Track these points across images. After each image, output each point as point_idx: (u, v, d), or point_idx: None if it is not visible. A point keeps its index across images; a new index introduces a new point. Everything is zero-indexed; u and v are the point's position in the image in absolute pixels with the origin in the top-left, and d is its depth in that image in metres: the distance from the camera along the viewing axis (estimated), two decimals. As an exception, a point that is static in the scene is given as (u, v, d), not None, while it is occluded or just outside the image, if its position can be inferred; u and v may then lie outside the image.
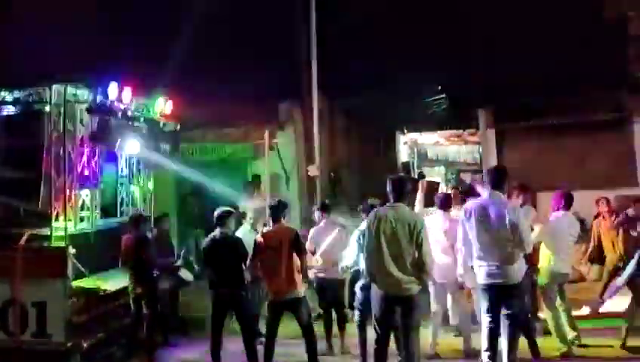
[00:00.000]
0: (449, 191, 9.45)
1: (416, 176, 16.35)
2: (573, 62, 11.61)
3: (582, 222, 9.08)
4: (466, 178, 15.90)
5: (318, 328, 6.95)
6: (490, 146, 12.02)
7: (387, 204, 5.77)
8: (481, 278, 6.03)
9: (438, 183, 15.22)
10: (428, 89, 15.17)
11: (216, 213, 6.90)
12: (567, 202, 7.05)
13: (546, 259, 6.99)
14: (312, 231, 7.53)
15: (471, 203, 6.22)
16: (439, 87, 15.33)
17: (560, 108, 11.58)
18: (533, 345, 6.67)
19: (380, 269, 5.55)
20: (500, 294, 5.92)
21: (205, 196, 11.11)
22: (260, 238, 6.56)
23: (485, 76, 12.85)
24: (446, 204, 7.25)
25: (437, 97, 15.35)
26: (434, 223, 7.03)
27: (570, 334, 7.00)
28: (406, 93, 14.60)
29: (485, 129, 12.28)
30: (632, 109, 11.71)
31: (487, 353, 5.95)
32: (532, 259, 6.76)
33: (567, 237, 6.93)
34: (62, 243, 7.00)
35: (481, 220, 5.91)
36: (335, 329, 7.31)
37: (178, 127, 8.93)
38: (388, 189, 5.77)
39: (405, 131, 16.44)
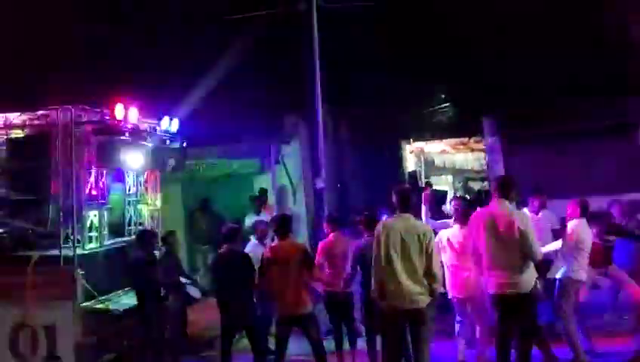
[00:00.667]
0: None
1: (423, 185, 16.36)
2: (577, 68, 11.60)
3: None
4: (475, 186, 15.86)
5: (329, 344, 6.91)
6: (496, 154, 11.98)
7: (394, 215, 5.75)
8: (492, 288, 6.02)
9: (446, 192, 15.21)
10: (433, 98, 15.20)
11: (223, 230, 6.92)
12: (584, 210, 7.01)
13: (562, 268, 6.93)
14: (320, 244, 7.48)
15: (480, 211, 6.22)
16: (444, 96, 15.37)
17: (565, 114, 11.54)
18: (547, 354, 6.61)
19: (391, 282, 5.50)
20: (510, 304, 5.90)
21: (213, 212, 11.15)
22: (267, 253, 6.55)
23: (490, 84, 12.86)
24: (464, 216, 7.05)
25: (442, 106, 15.38)
26: (452, 236, 6.88)
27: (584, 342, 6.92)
28: (411, 103, 14.64)
29: (491, 137, 12.24)
30: (637, 115, 11.65)
31: (500, 362, 5.92)
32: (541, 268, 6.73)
33: (586, 245, 6.86)
34: (71, 265, 7.02)
35: (490, 229, 5.90)
36: (346, 344, 7.27)
37: (184, 144, 8.98)
38: (394, 200, 5.76)
39: (411, 140, 16.43)
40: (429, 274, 5.50)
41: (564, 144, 11.37)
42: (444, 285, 6.86)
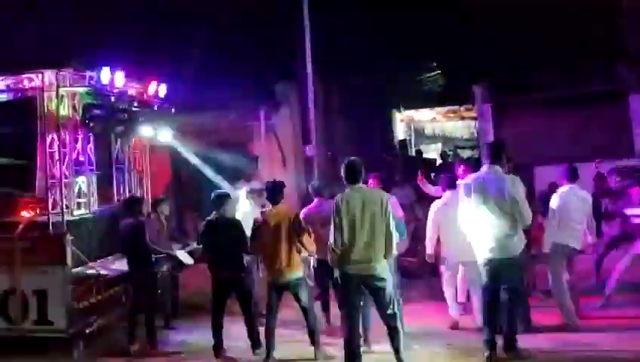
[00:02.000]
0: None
1: (413, 154, 16.39)
2: (568, 35, 11.55)
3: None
4: (464, 153, 15.91)
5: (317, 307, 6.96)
6: (486, 121, 11.99)
7: (348, 188, 5.77)
8: (481, 252, 6.06)
9: (435, 160, 15.27)
10: (423, 66, 15.12)
11: (213, 196, 6.89)
12: (572, 175, 7.02)
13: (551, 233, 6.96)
14: (303, 211, 7.44)
15: (470, 178, 6.22)
16: (434, 64, 15.28)
17: (556, 81, 11.55)
18: (526, 319, 6.69)
19: (353, 250, 5.57)
20: (499, 268, 5.96)
21: (203, 179, 11.09)
22: (259, 219, 6.55)
23: (481, 51, 12.79)
24: (453, 183, 7.11)
25: (432, 74, 15.31)
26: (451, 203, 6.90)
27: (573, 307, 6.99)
28: (402, 71, 14.56)
29: (481, 104, 12.23)
30: (627, 81, 11.67)
31: (488, 328, 5.99)
32: (530, 233, 6.78)
33: (572, 210, 6.85)
34: (60, 231, 6.98)
35: (480, 194, 5.92)
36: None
37: (173, 110, 8.87)
38: (343, 174, 5.82)
39: (401, 109, 16.40)
40: (386, 237, 5.58)
41: (554, 111, 11.39)
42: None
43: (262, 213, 6.65)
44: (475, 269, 6.43)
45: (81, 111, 7.43)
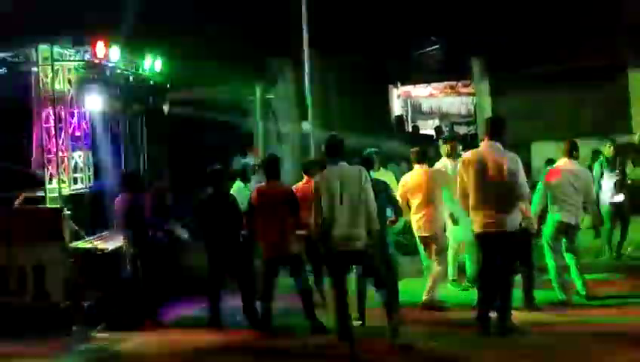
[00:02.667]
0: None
1: (410, 130, 16.36)
2: (567, 9, 11.45)
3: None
4: (460, 130, 15.89)
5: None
6: (484, 97, 11.93)
7: (328, 165, 5.80)
8: (477, 227, 6.09)
9: (432, 136, 15.22)
10: (421, 40, 15.00)
11: (208, 172, 6.89)
12: (569, 150, 7.01)
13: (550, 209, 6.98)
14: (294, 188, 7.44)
15: (469, 153, 6.25)
16: (432, 38, 15.15)
17: (554, 56, 11.48)
18: (528, 295, 6.75)
19: (332, 226, 5.59)
20: (494, 243, 5.99)
21: (199, 154, 11.07)
22: (254, 195, 6.56)
23: (478, 26, 12.67)
24: (424, 157, 7.23)
25: (430, 48, 15.19)
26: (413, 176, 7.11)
27: (578, 283, 7.01)
28: (399, 46, 14.43)
29: (479, 79, 12.17)
30: (626, 56, 11.62)
31: (482, 303, 6.05)
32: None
33: (568, 186, 6.86)
34: (57, 205, 6.99)
35: (479, 170, 5.93)
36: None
37: (168, 84, 8.82)
38: (324, 150, 5.86)
39: (398, 84, 16.30)
40: (367, 213, 5.61)
41: (552, 86, 11.34)
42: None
43: (258, 188, 6.65)
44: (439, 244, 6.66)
45: (76, 86, 7.37)
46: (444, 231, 7.19)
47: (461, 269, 7.72)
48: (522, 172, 5.95)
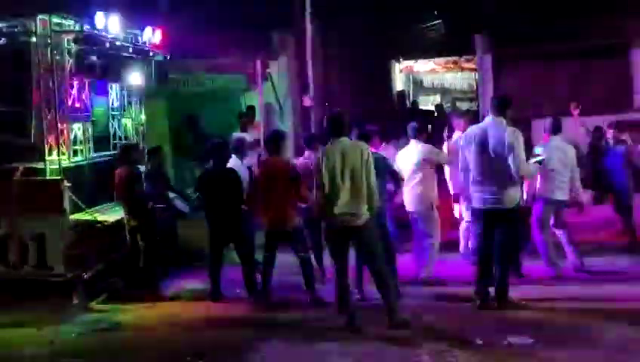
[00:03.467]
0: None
1: (410, 105, 16.29)
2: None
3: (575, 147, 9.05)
4: (462, 106, 15.83)
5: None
6: (486, 72, 11.83)
7: (330, 141, 5.77)
8: (477, 203, 6.11)
9: (432, 112, 15.18)
10: (424, 15, 14.84)
11: (209, 146, 6.87)
12: (553, 127, 6.99)
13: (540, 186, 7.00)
14: (297, 161, 7.43)
15: (472, 128, 6.24)
16: (435, 13, 15.00)
17: (557, 33, 11.36)
18: (517, 269, 6.79)
19: (332, 202, 5.60)
20: (494, 219, 6.01)
21: (199, 128, 11.03)
22: (257, 169, 6.57)
23: (482, 1, 12.53)
24: (419, 133, 7.18)
25: (433, 23, 15.04)
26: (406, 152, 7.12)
27: (570, 257, 7.08)
28: (401, 20, 14.29)
29: (482, 55, 12.05)
30: (629, 34, 11.50)
31: (480, 278, 6.09)
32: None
33: (555, 163, 6.85)
34: (57, 177, 6.98)
35: (480, 145, 5.93)
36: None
37: (168, 56, 8.75)
38: (327, 127, 5.82)
39: (401, 59, 16.18)
40: (368, 189, 5.60)
41: (555, 63, 11.26)
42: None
43: (260, 162, 6.65)
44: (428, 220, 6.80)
45: (75, 57, 7.31)
46: (432, 208, 7.14)
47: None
48: (522, 147, 5.94)
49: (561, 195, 6.90)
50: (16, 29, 7.13)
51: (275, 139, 6.68)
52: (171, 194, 8.11)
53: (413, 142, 7.16)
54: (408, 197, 7.05)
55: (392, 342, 5.32)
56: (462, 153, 6.22)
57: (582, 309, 5.96)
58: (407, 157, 7.10)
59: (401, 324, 5.61)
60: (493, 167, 5.93)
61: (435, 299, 6.46)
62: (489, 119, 6.10)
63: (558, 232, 7.09)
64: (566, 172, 6.89)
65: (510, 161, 5.83)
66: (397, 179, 6.66)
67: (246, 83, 11.73)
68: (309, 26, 11.45)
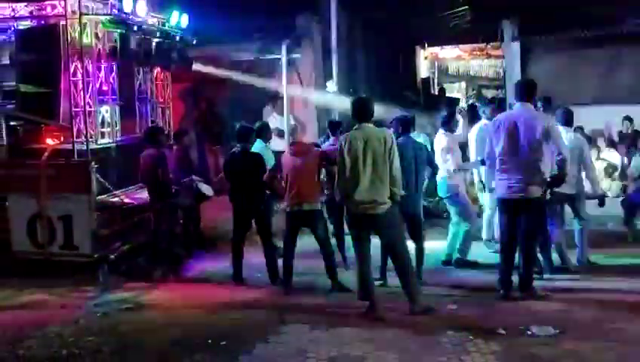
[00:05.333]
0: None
1: (436, 92, 16.14)
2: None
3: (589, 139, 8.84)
4: (488, 93, 15.64)
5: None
6: (514, 60, 11.61)
7: (354, 127, 5.74)
8: (501, 192, 6.05)
9: (458, 99, 15.03)
10: (450, 1, 14.64)
11: (237, 129, 6.92)
12: (565, 119, 6.82)
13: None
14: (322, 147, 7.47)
15: (501, 115, 6.17)
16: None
17: (586, 19, 11.11)
18: (548, 260, 6.73)
19: (354, 189, 5.57)
20: (518, 208, 5.95)
21: (224, 113, 11.09)
22: (286, 151, 6.61)
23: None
24: (448, 122, 7.18)
25: (459, 9, 14.83)
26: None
27: (584, 253, 6.98)
28: (427, 6, 14.12)
29: (510, 41, 11.84)
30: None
31: (503, 267, 6.05)
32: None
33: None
34: (84, 158, 7.09)
35: (509, 132, 5.85)
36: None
37: (194, 41, 8.78)
38: (351, 111, 5.78)
39: (426, 45, 16.02)
40: (391, 178, 5.56)
41: (584, 50, 11.01)
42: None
43: (291, 143, 6.68)
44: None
45: (103, 40, 7.38)
46: (457, 194, 7.11)
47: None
48: (558, 129, 5.84)
49: (568, 189, 6.63)
50: (45, 12, 7.21)
51: (297, 126, 6.73)
52: (195, 177, 8.18)
53: (440, 131, 7.12)
54: (441, 183, 7.06)
55: (413, 330, 5.32)
56: (488, 141, 6.14)
57: (606, 301, 5.89)
58: (435, 146, 7.11)
59: (423, 312, 5.61)
60: (522, 155, 5.84)
61: (459, 287, 6.44)
62: (517, 106, 6.02)
63: (575, 225, 6.97)
64: (573, 166, 6.60)
65: (544, 148, 5.74)
66: (434, 164, 6.71)
67: (270, 68, 11.73)
68: (334, 12, 11.37)
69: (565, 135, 6.64)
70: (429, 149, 7.06)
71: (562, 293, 6.09)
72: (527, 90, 5.99)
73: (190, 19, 8.58)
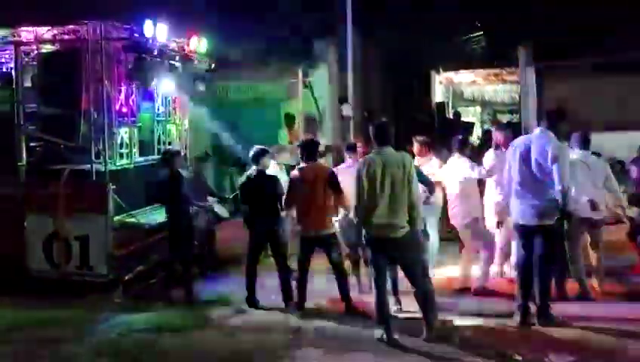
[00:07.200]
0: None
1: (451, 117, 16.15)
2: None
3: (619, 163, 8.82)
4: (503, 118, 15.62)
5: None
6: (529, 85, 11.64)
7: (373, 150, 5.76)
8: (517, 217, 6.02)
9: (473, 124, 15.02)
10: (465, 26, 14.75)
11: (252, 151, 6.97)
12: (582, 141, 6.79)
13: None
14: (337, 169, 7.49)
15: (518, 139, 6.21)
16: (477, 24, 14.88)
17: (601, 46, 11.13)
18: (561, 286, 6.64)
19: (373, 213, 5.56)
20: (533, 234, 5.91)
21: (239, 135, 11.17)
22: (295, 174, 6.62)
23: (524, 13, 12.38)
24: (463, 147, 7.20)
25: (475, 35, 14.92)
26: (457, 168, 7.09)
27: (595, 279, 6.88)
28: (442, 31, 14.23)
29: (525, 67, 11.87)
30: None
31: (522, 291, 5.99)
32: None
33: (584, 179, 6.61)
34: (102, 180, 7.17)
35: (523, 156, 5.86)
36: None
37: (213, 65, 8.91)
38: (371, 134, 5.79)
39: (441, 70, 16.08)
40: (410, 202, 5.54)
41: (599, 76, 11.02)
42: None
43: (299, 168, 6.69)
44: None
45: (124, 64, 7.52)
46: (477, 221, 7.07)
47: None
48: (567, 161, 5.82)
49: (595, 214, 6.63)
50: (68, 36, 7.37)
51: (310, 147, 6.73)
52: (211, 199, 8.23)
53: (456, 156, 7.12)
54: (453, 211, 7.02)
55: (429, 356, 5.27)
56: (507, 165, 6.15)
57: (624, 329, 5.79)
58: (451, 170, 7.08)
59: (439, 338, 5.56)
60: (535, 180, 5.83)
61: (476, 313, 6.37)
62: (537, 131, 6.03)
63: (592, 253, 6.90)
64: (593, 188, 6.61)
65: (553, 173, 5.73)
66: (428, 182, 6.65)
67: (287, 91, 11.85)
68: (349, 36, 11.50)
69: (584, 157, 6.66)
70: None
71: (580, 320, 6.01)
72: (552, 118, 6.01)
73: (209, 43, 8.71)
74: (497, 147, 7.29)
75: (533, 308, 5.95)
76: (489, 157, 7.29)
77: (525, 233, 6.00)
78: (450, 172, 7.15)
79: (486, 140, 9.67)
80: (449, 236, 7.85)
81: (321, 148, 9.13)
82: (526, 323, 5.89)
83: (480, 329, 5.93)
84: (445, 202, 7.33)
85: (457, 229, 7.22)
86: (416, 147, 7.57)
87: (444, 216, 7.41)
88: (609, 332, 5.70)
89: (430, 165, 7.56)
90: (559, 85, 11.37)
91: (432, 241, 7.19)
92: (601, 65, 11.04)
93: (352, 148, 7.62)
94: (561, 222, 5.99)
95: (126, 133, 7.72)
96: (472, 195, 7.06)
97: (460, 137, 7.28)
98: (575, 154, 6.70)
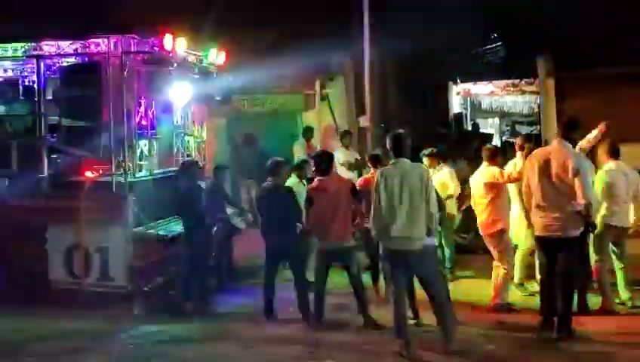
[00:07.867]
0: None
1: (469, 128, 16.08)
2: (636, 8, 10.96)
3: None
4: (522, 130, 15.50)
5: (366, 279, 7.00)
6: (549, 96, 11.54)
7: (390, 162, 5.75)
8: (538, 230, 5.97)
9: (492, 135, 14.92)
10: (483, 37, 14.70)
11: (269, 164, 6.98)
12: (613, 152, 6.76)
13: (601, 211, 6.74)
14: (359, 181, 7.49)
15: (536, 151, 6.16)
16: (495, 35, 14.82)
17: (622, 55, 11.00)
18: (582, 300, 6.55)
19: (391, 226, 5.53)
20: (555, 247, 5.85)
21: (257, 147, 11.23)
22: (315, 187, 6.60)
23: (543, 23, 12.30)
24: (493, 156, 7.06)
25: (492, 46, 14.87)
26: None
27: (625, 294, 6.79)
28: (460, 42, 14.20)
29: (544, 78, 11.78)
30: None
31: (544, 307, 5.93)
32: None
33: (618, 188, 6.60)
34: (122, 191, 7.23)
35: (543, 169, 5.81)
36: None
37: (231, 77, 8.97)
38: (388, 146, 5.78)
39: (458, 81, 16.03)
40: (427, 214, 5.51)
41: (620, 87, 10.88)
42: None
43: (319, 180, 6.67)
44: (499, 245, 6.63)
45: (144, 76, 7.60)
46: (502, 233, 6.99)
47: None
48: (587, 173, 5.77)
49: (618, 221, 6.60)
50: (90, 49, 7.48)
51: (323, 160, 6.70)
52: (229, 211, 8.25)
53: (484, 165, 7.04)
54: (480, 221, 6.93)
55: (448, 369, 5.22)
56: (525, 176, 6.10)
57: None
58: (477, 180, 6.99)
59: (458, 352, 5.50)
60: (556, 192, 5.78)
61: (497, 327, 6.30)
62: (555, 143, 5.98)
63: (616, 264, 6.81)
64: (627, 198, 6.59)
65: (576, 186, 5.67)
66: (439, 206, 6.54)
67: (304, 103, 11.89)
68: (367, 48, 11.52)
69: (617, 168, 6.61)
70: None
71: (602, 334, 5.91)
72: (567, 128, 5.98)
73: (227, 56, 8.78)
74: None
75: (555, 321, 5.86)
76: (518, 163, 7.22)
77: (547, 246, 5.93)
78: (477, 180, 7.00)
79: (505, 151, 9.60)
80: (464, 244, 7.79)
81: (351, 159, 9.23)
82: (548, 337, 5.80)
83: (501, 343, 5.85)
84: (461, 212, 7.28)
85: (485, 238, 7.02)
86: (424, 160, 7.72)
87: (459, 228, 7.36)
88: (632, 347, 5.61)
89: (441, 174, 7.62)
90: (579, 96, 11.25)
91: (446, 254, 7.15)
92: (621, 75, 10.90)
93: (373, 159, 7.60)
94: (586, 233, 5.95)
95: (145, 145, 7.78)
96: (500, 205, 6.94)
97: (489, 146, 7.21)
98: (613, 165, 6.70)
